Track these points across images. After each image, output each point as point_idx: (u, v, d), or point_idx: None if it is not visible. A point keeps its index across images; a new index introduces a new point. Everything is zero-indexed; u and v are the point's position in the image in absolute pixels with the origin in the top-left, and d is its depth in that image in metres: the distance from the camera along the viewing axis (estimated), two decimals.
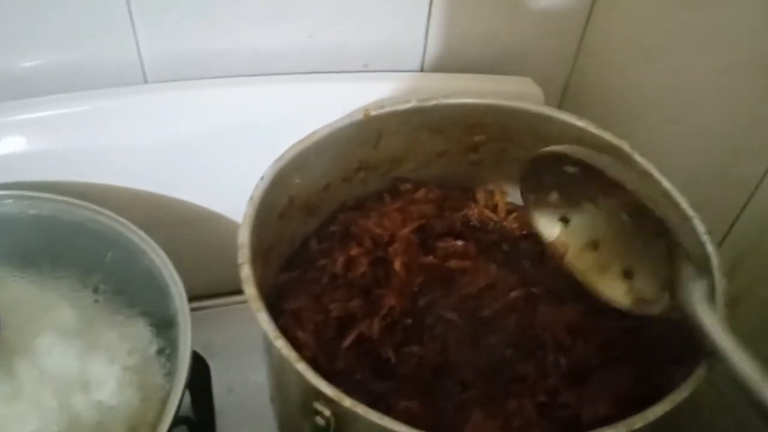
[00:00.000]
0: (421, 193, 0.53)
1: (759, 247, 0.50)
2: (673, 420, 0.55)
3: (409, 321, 0.48)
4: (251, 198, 0.42)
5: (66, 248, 0.48)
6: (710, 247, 0.43)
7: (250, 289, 0.37)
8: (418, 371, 0.45)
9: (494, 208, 0.55)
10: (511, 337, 0.47)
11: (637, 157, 0.47)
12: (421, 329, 0.48)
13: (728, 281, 0.50)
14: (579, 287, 0.51)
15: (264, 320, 0.36)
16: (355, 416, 0.34)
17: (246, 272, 0.38)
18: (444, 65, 0.63)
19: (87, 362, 0.44)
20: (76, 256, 0.48)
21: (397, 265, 0.48)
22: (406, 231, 0.50)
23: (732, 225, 0.52)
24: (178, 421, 0.51)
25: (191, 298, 0.60)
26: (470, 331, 0.47)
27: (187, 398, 0.56)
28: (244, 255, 0.39)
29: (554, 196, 0.46)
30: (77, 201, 0.49)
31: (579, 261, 0.46)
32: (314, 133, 0.46)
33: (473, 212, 0.54)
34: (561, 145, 0.43)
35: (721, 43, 0.50)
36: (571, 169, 0.43)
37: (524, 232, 0.54)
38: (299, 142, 0.46)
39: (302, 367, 0.35)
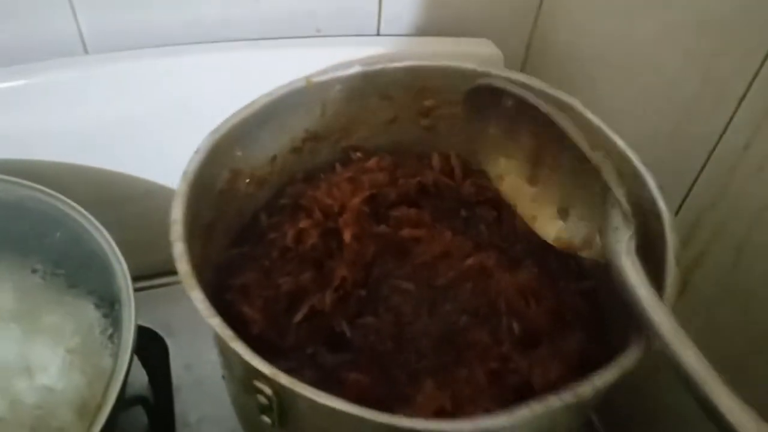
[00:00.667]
0: (372, 162, 0.52)
1: (716, 209, 0.49)
2: (629, 384, 0.56)
3: (363, 292, 0.47)
4: (185, 173, 0.40)
5: (3, 228, 0.47)
6: (662, 204, 0.42)
7: (183, 267, 0.36)
8: (372, 343, 0.45)
9: (450, 173, 0.54)
10: (466, 305, 0.46)
11: (589, 115, 0.46)
12: (376, 300, 0.47)
13: (685, 244, 0.50)
14: (534, 250, 0.51)
15: (197, 298, 0.35)
16: (294, 394, 0.33)
17: (179, 249, 0.37)
18: (401, 28, 0.61)
19: (29, 345, 0.43)
20: (15, 237, 0.47)
21: (347, 235, 0.47)
22: (356, 201, 0.49)
23: (690, 187, 0.51)
24: (130, 401, 0.51)
25: (147, 276, 0.60)
26: (425, 300, 0.47)
27: (144, 378, 0.55)
28: (176, 232, 0.38)
29: (495, 128, 0.47)
30: (14, 179, 0.47)
31: (517, 193, 0.48)
32: (253, 102, 0.45)
33: (428, 178, 0.53)
34: (497, 78, 0.45)
35: (671, 3, 0.49)
36: (509, 102, 0.44)
37: (481, 197, 0.53)
38: (237, 113, 0.44)
39: (238, 346, 0.34)
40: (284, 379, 0.32)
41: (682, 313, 0.36)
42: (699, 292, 0.50)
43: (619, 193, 0.39)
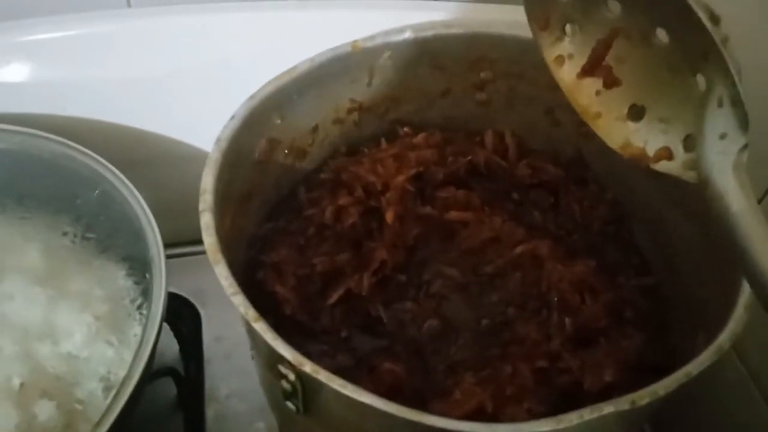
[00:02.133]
0: (420, 138, 0.48)
1: None
2: (688, 394, 0.51)
3: (403, 277, 0.44)
4: (218, 140, 0.38)
5: (34, 186, 0.46)
6: None
7: (209, 239, 0.34)
8: (410, 331, 0.42)
9: (504, 153, 0.50)
10: (514, 296, 0.43)
11: None
12: (416, 286, 0.44)
13: None
14: (593, 240, 0.47)
15: (222, 274, 0.33)
16: (319, 383, 0.30)
17: (206, 220, 0.35)
18: None
19: (54, 310, 0.42)
20: (45, 196, 0.45)
21: (389, 216, 0.44)
22: (401, 179, 0.46)
23: None
24: (160, 372, 0.50)
25: (183, 243, 0.58)
26: (470, 288, 0.44)
27: (175, 346, 0.54)
28: (205, 202, 0.35)
29: None
30: (49, 135, 0.45)
31: (577, 83, 0.39)
32: (294, 67, 0.42)
33: (480, 158, 0.49)
34: None
35: None
36: None
37: (536, 180, 0.49)
38: (277, 78, 0.41)
39: (261, 327, 0.31)
40: (308, 367, 0.30)
41: None
42: None
43: (738, 86, 0.30)
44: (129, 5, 0.51)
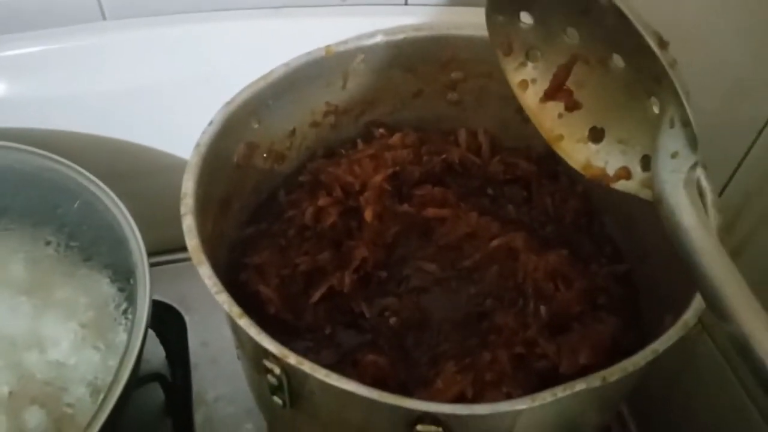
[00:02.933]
0: (396, 138, 0.50)
1: (764, 193, 0.46)
2: (661, 371, 0.53)
3: (384, 274, 0.45)
4: (197, 145, 0.39)
5: (17, 199, 0.46)
6: (705, 183, 0.39)
7: (192, 241, 0.35)
8: (393, 325, 0.43)
9: (477, 151, 0.52)
10: (492, 288, 0.44)
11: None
12: (397, 282, 0.45)
13: (729, 229, 0.47)
14: (565, 232, 0.48)
15: (205, 274, 0.34)
16: (304, 374, 0.31)
17: (188, 223, 0.36)
18: None
19: (40, 319, 0.42)
20: (28, 207, 0.46)
21: (368, 214, 0.45)
22: (378, 178, 0.47)
23: (735, 169, 0.48)
24: (147, 378, 0.50)
25: (166, 251, 0.59)
26: (449, 282, 0.45)
27: (161, 353, 0.55)
28: (186, 205, 0.36)
29: (527, 19, 0.40)
30: (29, 148, 0.46)
31: (541, 106, 0.41)
32: (270, 73, 0.43)
33: (454, 156, 0.50)
34: None
35: None
36: None
37: (509, 176, 0.51)
38: (252, 84, 0.42)
39: (246, 324, 0.32)
40: (292, 359, 0.31)
41: None
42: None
43: (686, 107, 0.32)
44: (104, 18, 0.52)
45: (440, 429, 0.30)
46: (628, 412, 0.57)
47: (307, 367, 0.30)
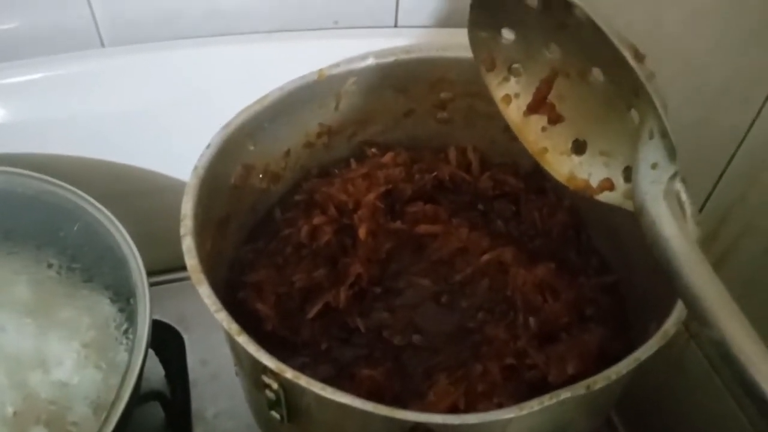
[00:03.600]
0: (388, 157, 0.51)
1: (745, 203, 0.47)
2: (650, 378, 0.54)
3: (378, 289, 0.47)
4: (195, 168, 0.40)
5: (19, 222, 0.47)
6: (684, 195, 0.40)
7: (191, 261, 0.36)
8: (387, 339, 0.44)
9: (467, 168, 0.53)
10: (483, 301, 0.45)
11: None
12: (391, 297, 0.46)
13: (713, 239, 0.48)
14: (554, 245, 0.50)
15: (205, 293, 0.35)
16: (301, 388, 0.32)
17: (188, 244, 0.37)
18: (419, 20, 0.61)
19: (44, 340, 0.43)
20: (30, 230, 0.47)
21: (362, 232, 0.47)
22: (371, 197, 0.48)
23: (717, 180, 0.49)
24: (147, 396, 0.51)
25: (164, 271, 0.60)
26: (441, 296, 0.46)
27: (161, 371, 0.56)
28: (186, 226, 0.38)
29: (508, 35, 0.41)
30: (31, 173, 0.47)
31: (525, 120, 0.42)
32: (264, 96, 0.44)
33: (445, 173, 0.52)
34: None
35: None
36: (531, 2, 0.37)
37: (498, 191, 0.52)
38: (248, 107, 0.44)
39: (244, 340, 0.33)
40: (290, 374, 0.32)
41: None
42: (728, 288, 0.48)
43: (663, 119, 0.32)
44: (102, 45, 0.53)
45: None
46: (618, 419, 0.58)
47: (303, 381, 0.32)
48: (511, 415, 0.30)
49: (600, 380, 0.31)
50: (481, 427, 0.31)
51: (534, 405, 0.30)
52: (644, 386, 0.56)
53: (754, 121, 0.45)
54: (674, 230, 0.31)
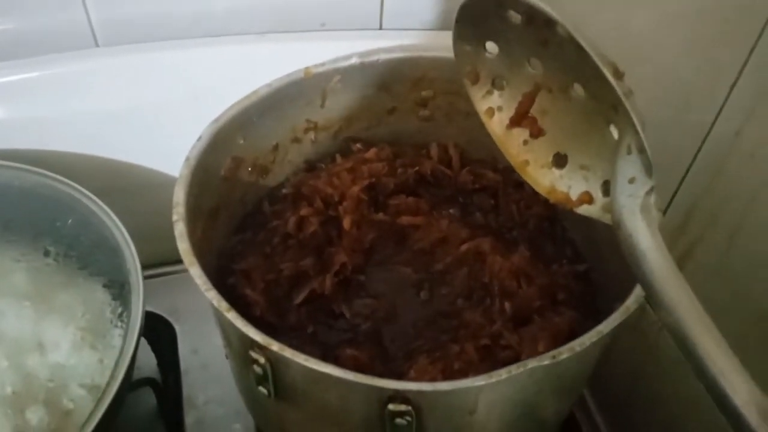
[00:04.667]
0: (372, 152, 0.53)
1: (710, 196, 0.50)
2: (625, 364, 0.56)
3: (362, 277, 0.49)
4: (187, 158, 0.42)
5: (18, 213, 0.49)
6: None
7: (183, 245, 0.38)
8: (371, 324, 0.46)
9: (448, 163, 0.55)
10: (462, 288, 0.47)
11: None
12: (374, 284, 0.48)
13: (681, 231, 0.51)
14: (530, 235, 0.52)
15: (196, 273, 0.37)
16: (286, 361, 0.34)
17: (180, 228, 0.39)
18: (404, 23, 0.63)
19: (41, 323, 0.45)
20: (28, 221, 0.49)
21: (347, 223, 0.49)
22: (355, 189, 0.50)
23: (684, 175, 0.52)
24: (140, 382, 0.53)
25: (157, 265, 0.62)
26: (422, 284, 0.48)
27: (153, 361, 0.57)
28: (178, 213, 0.40)
29: (492, 49, 0.41)
30: (28, 167, 0.49)
31: (507, 133, 0.43)
32: (254, 92, 0.47)
33: (426, 168, 0.54)
34: None
35: None
36: (515, 17, 0.37)
37: (478, 185, 0.54)
38: (238, 102, 0.46)
39: (233, 316, 0.35)
40: (275, 346, 0.34)
41: None
42: (695, 277, 0.51)
43: (641, 135, 0.33)
44: (97, 45, 0.55)
45: (410, 408, 0.33)
46: (593, 404, 0.60)
47: (288, 353, 0.34)
48: (482, 383, 0.32)
49: (565, 351, 0.34)
50: (455, 395, 0.34)
51: (502, 373, 0.32)
52: (619, 370, 0.58)
53: (717, 115, 0.47)
54: (650, 244, 0.32)
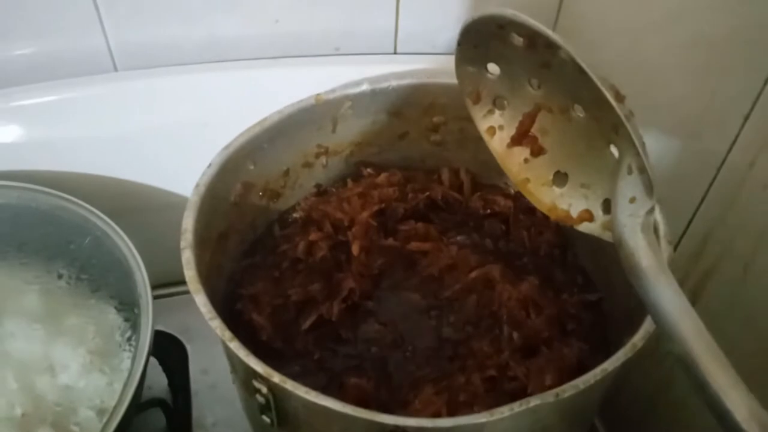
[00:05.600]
0: (382, 177, 0.54)
1: (725, 225, 0.49)
2: (639, 395, 0.55)
3: (370, 303, 0.48)
4: (197, 185, 0.43)
5: (32, 235, 0.50)
6: (659, 216, 0.41)
7: (189, 272, 0.39)
8: (378, 351, 0.46)
9: (459, 188, 0.55)
10: (470, 316, 0.47)
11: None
12: (382, 310, 0.48)
13: (695, 260, 0.50)
14: (540, 263, 0.51)
15: (201, 302, 0.37)
16: (288, 392, 0.34)
17: (187, 256, 0.39)
18: (417, 47, 0.63)
19: (52, 345, 0.46)
20: (42, 243, 0.50)
21: (355, 248, 0.49)
22: (365, 215, 0.50)
23: (699, 204, 0.51)
24: (150, 403, 0.53)
25: (171, 284, 0.62)
26: (431, 311, 0.48)
27: (164, 381, 0.58)
28: (186, 240, 0.40)
29: (494, 70, 0.42)
30: (44, 188, 0.50)
31: (508, 152, 0.44)
32: (264, 119, 0.47)
33: (437, 193, 0.54)
34: (506, 9, 0.36)
35: (682, 19, 0.49)
36: (517, 40, 0.38)
37: (488, 211, 0.54)
38: (248, 130, 0.47)
39: (235, 346, 0.36)
40: (276, 378, 0.34)
41: None
42: (709, 307, 0.50)
43: (642, 155, 0.34)
44: (116, 69, 0.57)
45: None
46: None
47: (289, 385, 0.34)
48: (483, 420, 0.32)
49: (569, 389, 0.33)
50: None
51: (504, 411, 0.32)
52: (633, 401, 0.57)
53: (732, 145, 0.47)
54: (651, 262, 0.32)
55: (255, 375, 0.35)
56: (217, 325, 0.36)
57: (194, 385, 0.58)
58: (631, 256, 0.33)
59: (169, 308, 0.56)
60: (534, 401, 0.33)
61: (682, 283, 0.50)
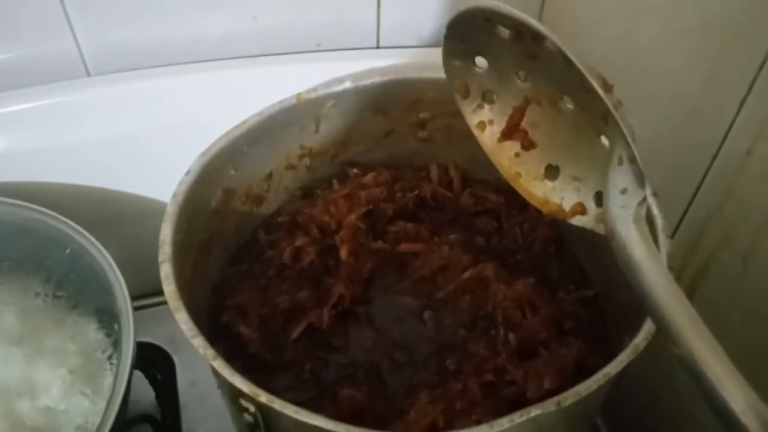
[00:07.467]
0: (369, 177, 0.52)
1: (722, 215, 0.48)
2: (639, 389, 0.54)
3: (361, 309, 0.47)
4: (174, 194, 0.41)
5: (7, 251, 0.48)
6: (655, 209, 0.41)
7: (168, 288, 0.37)
8: (370, 358, 0.45)
9: (449, 185, 0.54)
10: (465, 318, 0.46)
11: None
12: (374, 316, 0.47)
13: (692, 251, 0.49)
14: (535, 260, 0.50)
15: (182, 319, 0.36)
16: (276, 412, 0.33)
17: (166, 270, 0.38)
18: (400, 40, 0.61)
19: (31, 367, 0.44)
20: (18, 259, 0.48)
21: (344, 253, 0.47)
22: (353, 217, 0.49)
23: (694, 193, 0.50)
24: (137, 419, 0.52)
25: (152, 293, 0.60)
26: (424, 314, 0.47)
27: (151, 395, 0.56)
28: (165, 253, 0.38)
29: (482, 63, 0.42)
30: (18, 201, 0.48)
31: (499, 146, 0.43)
32: (244, 122, 0.45)
33: (426, 191, 0.53)
34: (491, 1, 0.35)
35: (674, 6, 0.48)
36: (503, 32, 0.37)
37: (480, 208, 0.53)
38: (227, 133, 0.45)
39: (219, 365, 0.34)
40: (263, 397, 0.32)
41: None
42: (706, 298, 0.49)
43: (632, 146, 0.33)
44: (88, 74, 0.54)
45: None
46: (606, 428, 0.58)
47: (277, 404, 0.32)
48: None
49: (570, 396, 0.32)
50: None
51: (504, 423, 0.31)
52: (634, 395, 0.56)
53: (726, 134, 0.45)
54: (644, 254, 0.32)
55: (241, 394, 0.34)
56: (199, 343, 0.35)
57: (183, 397, 0.56)
58: (624, 247, 0.33)
59: (154, 318, 0.54)
60: (535, 411, 0.31)
61: (679, 274, 0.49)
